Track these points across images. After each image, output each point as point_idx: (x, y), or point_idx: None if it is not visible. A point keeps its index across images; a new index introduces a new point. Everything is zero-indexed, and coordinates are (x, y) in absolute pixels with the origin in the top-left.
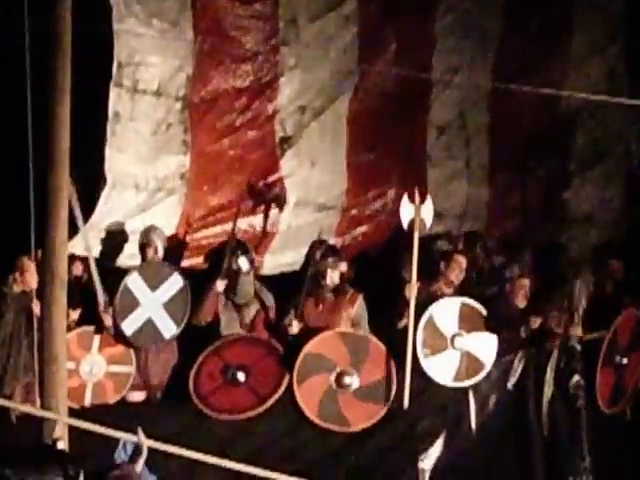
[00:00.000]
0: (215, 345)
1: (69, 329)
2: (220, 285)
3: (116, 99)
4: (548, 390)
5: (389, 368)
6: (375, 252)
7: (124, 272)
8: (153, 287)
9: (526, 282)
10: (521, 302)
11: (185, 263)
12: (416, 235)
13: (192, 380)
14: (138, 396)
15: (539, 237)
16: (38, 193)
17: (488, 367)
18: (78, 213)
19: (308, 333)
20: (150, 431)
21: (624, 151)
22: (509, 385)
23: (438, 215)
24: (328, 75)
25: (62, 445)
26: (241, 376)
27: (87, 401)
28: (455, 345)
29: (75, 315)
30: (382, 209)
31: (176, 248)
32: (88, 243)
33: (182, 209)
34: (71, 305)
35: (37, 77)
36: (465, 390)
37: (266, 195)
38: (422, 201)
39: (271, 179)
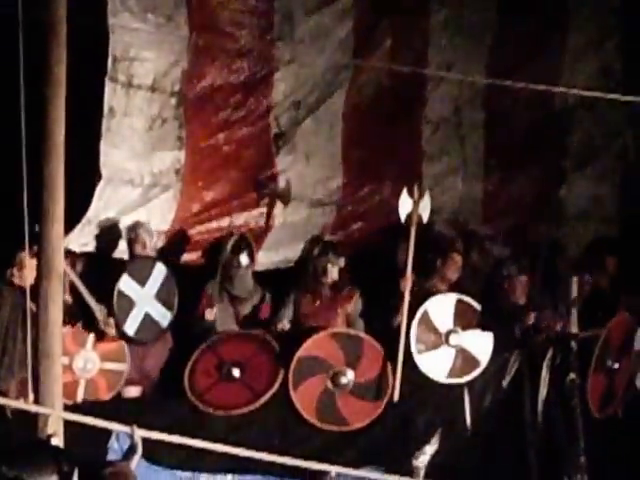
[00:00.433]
0: (210, 341)
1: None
2: (210, 314)
3: (111, 94)
4: (543, 388)
5: (384, 365)
6: (371, 248)
7: (121, 265)
8: (142, 283)
9: (525, 279)
10: (520, 299)
11: (181, 259)
12: (413, 230)
13: (187, 376)
14: (134, 392)
15: (534, 234)
16: (33, 188)
17: (483, 364)
18: (83, 289)
19: (304, 329)
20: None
21: (619, 148)
22: (504, 383)
23: (433, 211)
24: (323, 70)
25: (57, 441)
26: (236, 372)
27: (79, 397)
28: (450, 342)
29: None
30: (378, 205)
31: (172, 244)
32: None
33: (177, 205)
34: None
35: (32, 70)
36: (460, 388)
37: (272, 190)
38: (421, 196)
39: (269, 174)
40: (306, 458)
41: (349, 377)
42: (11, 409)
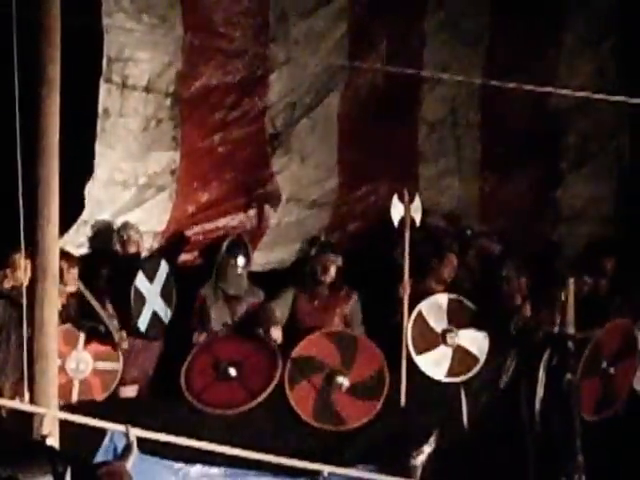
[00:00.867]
0: (205, 341)
1: None
2: (200, 337)
3: (106, 95)
4: (540, 388)
5: (380, 365)
6: (367, 249)
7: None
8: (151, 280)
9: (523, 281)
10: (517, 300)
11: (177, 259)
12: (407, 234)
13: (184, 376)
14: (130, 392)
15: (530, 235)
16: (28, 188)
17: (482, 362)
18: (95, 303)
19: (301, 329)
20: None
21: (615, 148)
22: (501, 383)
23: (430, 212)
24: (318, 71)
25: (51, 441)
26: (233, 371)
27: (74, 398)
28: (447, 341)
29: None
30: (373, 205)
31: (167, 245)
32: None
33: (172, 205)
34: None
35: (26, 70)
36: (457, 388)
37: (259, 194)
38: (411, 199)
39: (263, 176)
40: (303, 457)
41: (345, 377)
42: (6, 409)
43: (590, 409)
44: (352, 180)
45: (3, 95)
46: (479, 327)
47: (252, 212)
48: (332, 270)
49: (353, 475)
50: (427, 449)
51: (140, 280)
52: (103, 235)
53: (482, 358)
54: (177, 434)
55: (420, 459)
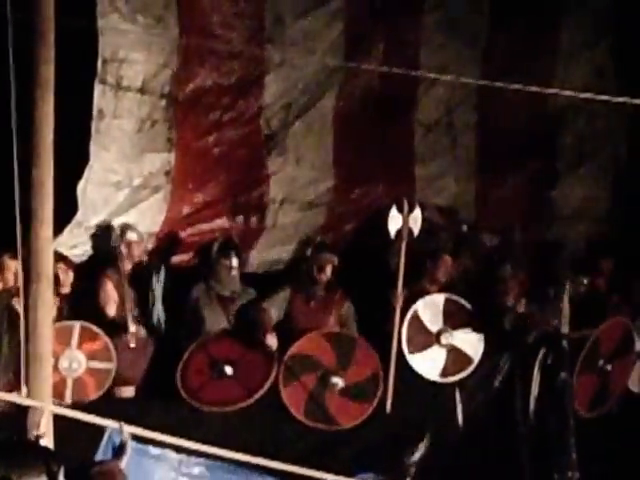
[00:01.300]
0: (200, 341)
1: None
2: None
3: (100, 96)
4: (535, 388)
5: (376, 367)
6: (362, 250)
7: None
8: (158, 279)
9: (518, 281)
10: (509, 300)
11: (171, 260)
12: (403, 245)
13: (179, 375)
14: (127, 392)
15: (527, 235)
16: (21, 189)
17: (476, 362)
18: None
19: (297, 330)
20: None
21: (612, 149)
22: (496, 382)
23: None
24: (314, 72)
25: (45, 441)
26: (229, 370)
27: (68, 397)
28: (441, 341)
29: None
30: (369, 206)
31: (162, 246)
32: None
33: (167, 207)
34: None
35: (20, 71)
36: (452, 387)
37: (254, 196)
38: (411, 210)
39: (258, 177)
40: (297, 457)
41: (339, 377)
42: None
43: (585, 406)
44: (348, 181)
45: None
46: (474, 327)
47: (247, 213)
48: (328, 269)
49: None
50: (422, 448)
51: (155, 279)
52: (98, 237)
53: (476, 358)
54: (174, 433)
55: (414, 458)
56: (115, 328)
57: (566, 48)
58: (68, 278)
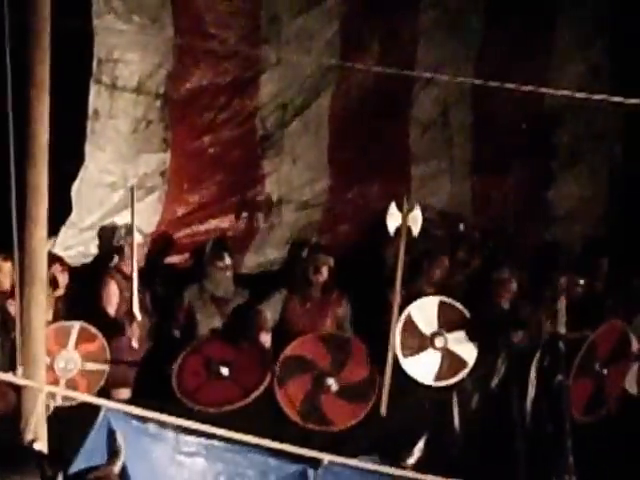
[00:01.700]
0: (195, 342)
1: None
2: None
3: (95, 96)
4: (532, 389)
5: (371, 367)
6: (358, 250)
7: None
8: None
9: (513, 285)
10: (504, 302)
11: (166, 261)
12: (402, 244)
13: (175, 377)
14: (124, 394)
15: (522, 235)
16: (16, 190)
17: (470, 365)
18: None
19: (292, 331)
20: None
21: (608, 148)
22: (492, 384)
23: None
24: (310, 72)
25: (40, 446)
26: (225, 370)
27: (59, 397)
28: (436, 344)
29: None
30: (365, 206)
31: (157, 246)
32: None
33: (162, 207)
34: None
35: (15, 72)
36: (448, 389)
37: (250, 195)
38: (410, 209)
39: (254, 177)
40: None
41: (334, 379)
42: None
43: (580, 410)
44: (344, 181)
45: None
46: (469, 330)
47: (243, 214)
48: (324, 271)
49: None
50: (418, 451)
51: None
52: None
53: (471, 362)
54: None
55: (411, 461)
56: (114, 328)
57: (562, 47)
58: (64, 279)
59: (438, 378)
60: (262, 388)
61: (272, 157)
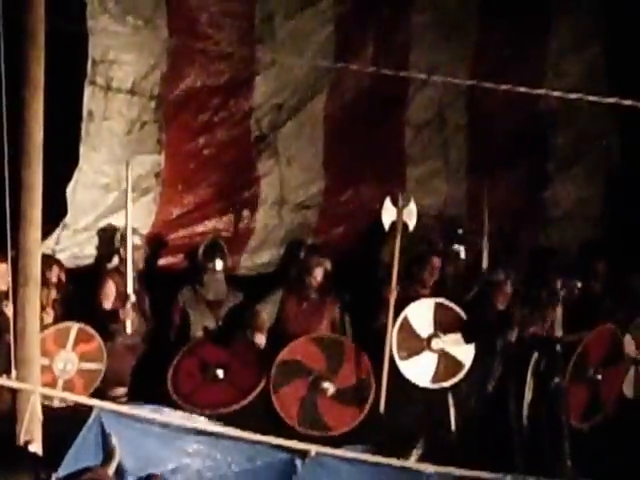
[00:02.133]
0: (189, 345)
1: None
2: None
3: (90, 97)
4: (528, 392)
5: (367, 370)
6: (353, 251)
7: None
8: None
9: (509, 287)
10: (501, 304)
11: (161, 262)
12: (398, 238)
13: (170, 379)
14: (119, 392)
15: (519, 237)
16: (10, 191)
17: (467, 367)
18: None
19: (288, 332)
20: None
21: (603, 150)
22: (489, 387)
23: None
24: (304, 73)
25: (34, 447)
26: (220, 373)
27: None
28: (432, 346)
29: (49, 318)
30: (360, 208)
31: (152, 247)
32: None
33: (157, 208)
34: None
35: (10, 73)
36: (445, 391)
37: (245, 196)
38: (406, 203)
39: (249, 178)
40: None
41: (330, 382)
42: None
43: (577, 416)
44: (339, 182)
45: None
46: (465, 332)
47: (238, 215)
48: (318, 273)
49: (340, 455)
50: (415, 453)
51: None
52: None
53: (467, 363)
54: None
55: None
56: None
57: (557, 49)
58: (60, 280)
59: (435, 380)
60: (258, 390)
61: (267, 158)
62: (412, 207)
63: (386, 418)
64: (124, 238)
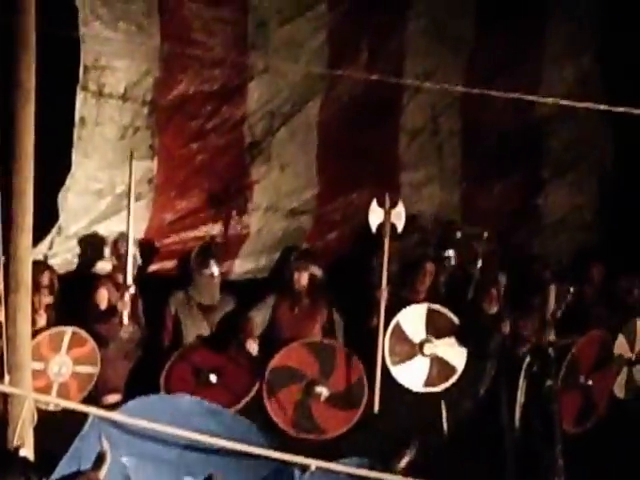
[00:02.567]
0: (182, 350)
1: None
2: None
3: (82, 103)
4: (521, 395)
5: (359, 373)
6: (347, 257)
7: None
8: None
9: (502, 291)
10: (492, 308)
11: (154, 268)
12: (386, 240)
13: (163, 384)
14: (114, 399)
15: (512, 242)
16: (2, 197)
17: (460, 371)
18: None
19: (280, 338)
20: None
21: (598, 156)
22: (482, 390)
23: (411, 219)
24: (298, 80)
25: (25, 452)
26: (213, 378)
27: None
28: (424, 351)
29: (42, 323)
30: (354, 214)
31: (145, 253)
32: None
33: (150, 214)
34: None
35: (1, 79)
36: (437, 395)
37: (238, 202)
38: (393, 205)
39: (242, 184)
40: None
41: (324, 386)
42: None
43: (571, 422)
44: (332, 188)
45: None
46: (458, 336)
47: (231, 221)
48: (302, 277)
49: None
50: (407, 456)
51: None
52: (79, 245)
53: (460, 368)
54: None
55: (401, 465)
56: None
57: (551, 55)
58: (53, 285)
59: (427, 384)
60: (251, 395)
61: (260, 164)
62: (400, 209)
63: (379, 422)
64: (116, 244)
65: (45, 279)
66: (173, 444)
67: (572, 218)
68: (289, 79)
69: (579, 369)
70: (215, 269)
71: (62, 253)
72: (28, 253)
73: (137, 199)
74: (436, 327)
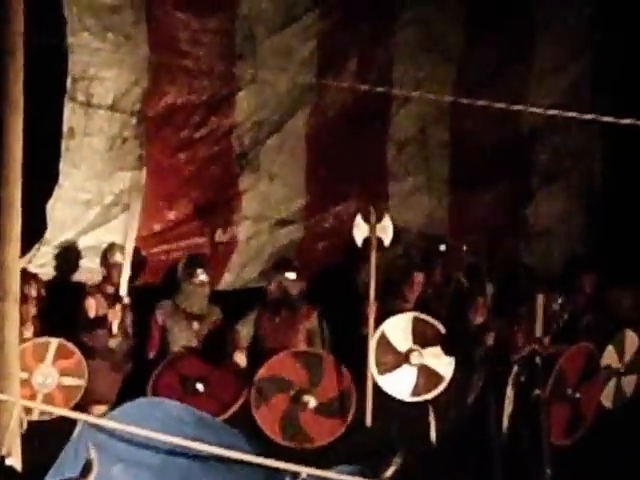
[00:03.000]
0: (168, 360)
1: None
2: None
3: (70, 114)
4: (509, 405)
5: (346, 382)
6: (335, 267)
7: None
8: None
9: (489, 301)
10: (478, 318)
11: (142, 278)
12: (373, 254)
13: (150, 394)
14: (100, 411)
15: (500, 252)
16: None
17: (447, 380)
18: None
19: (265, 348)
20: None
21: (586, 166)
22: (469, 399)
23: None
24: (286, 90)
25: (12, 461)
26: (200, 387)
27: (36, 412)
28: (411, 361)
29: (29, 333)
30: (343, 224)
31: (133, 263)
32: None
33: (138, 225)
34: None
35: None
36: (425, 404)
37: (227, 213)
38: (378, 219)
39: (230, 195)
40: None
41: (311, 395)
42: None
43: (559, 435)
44: (321, 199)
45: None
46: (444, 345)
47: (219, 231)
48: (276, 287)
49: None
50: (394, 465)
51: None
52: (66, 255)
53: (447, 377)
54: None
55: (387, 475)
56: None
57: (540, 65)
58: (40, 295)
59: (415, 394)
60: (239, 404)
61: (249, 175)
62: (386, 222)
63: (367, 430)
64: (106, 255)
65: (32, 289)
66: (161, 450)
67: (560, 227)
68: (277, 89)
69: (566, 381)
70: (204, 277)
71: (50, 263)
72: (16, 263)
73: (125, 209)
74: (422, 336)
